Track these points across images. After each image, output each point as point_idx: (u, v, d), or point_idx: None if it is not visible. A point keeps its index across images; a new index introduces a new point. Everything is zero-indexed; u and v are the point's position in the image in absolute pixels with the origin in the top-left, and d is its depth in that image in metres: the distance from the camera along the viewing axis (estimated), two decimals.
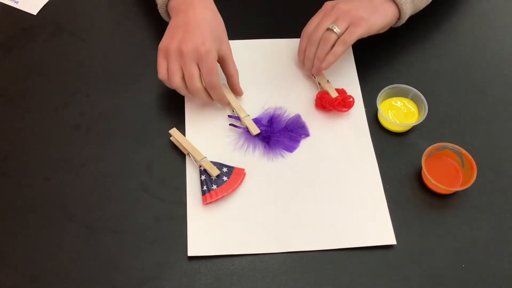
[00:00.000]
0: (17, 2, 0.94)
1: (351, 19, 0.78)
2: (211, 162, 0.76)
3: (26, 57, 0.88)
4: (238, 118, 0.81)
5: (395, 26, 0.86)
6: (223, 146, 0.80)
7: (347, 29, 0.79)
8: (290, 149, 0.80)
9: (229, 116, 0.82)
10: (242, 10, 0.94)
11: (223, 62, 0.80)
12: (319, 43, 0.80)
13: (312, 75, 0.85)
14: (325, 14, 0.80)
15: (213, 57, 0.75)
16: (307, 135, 0.81)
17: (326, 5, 0.82)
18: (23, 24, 0.92)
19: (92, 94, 0.85)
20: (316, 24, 0.81)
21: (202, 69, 0.75)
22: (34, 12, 0.93)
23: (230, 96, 0.82)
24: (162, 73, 0.77)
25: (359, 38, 0.79)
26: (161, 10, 0.83)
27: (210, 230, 0.73)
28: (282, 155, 0.79)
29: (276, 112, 0.83)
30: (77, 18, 0.94)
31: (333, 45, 0.79)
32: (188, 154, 0.78)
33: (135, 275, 0.70)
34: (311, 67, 0.83)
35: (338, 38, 0.79)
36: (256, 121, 0.81)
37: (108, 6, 0.95)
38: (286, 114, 0.83)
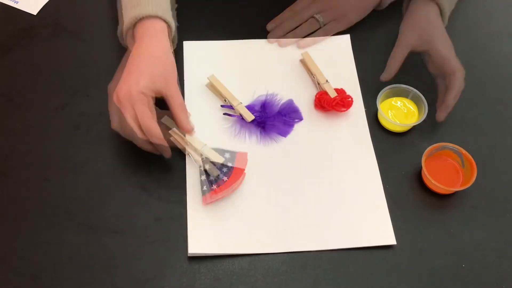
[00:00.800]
0: (17, 2, 0.94)
1: (335, 15, 0.89)
2: (213, 148, 0.76)
3: (26, 57, 0.88)
4: (231, 107, 0.82)
5: (378, 9, 0.92)
6: (224, 146, 0.79)
7: (330, 21, 0.89)
8: (284, 133, 0.81)
9: (222, 105, 0.83)
10: (241, 10, 0.94)
11: (167, 101, 0.74)
12: (300, 23, 0.89)
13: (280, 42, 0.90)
14: (315, 0, 0.90)
15: (144, 98, 0.69)
16: (300, 119, 0.83)
17: None
18: (23, 24, 0.92)
19: (92, 94, 0.85)
20: (305, 6, 0.90)
21: (136, 112, 0.69)
22: (34, 12, 0.93)
23: (222, 87, 0.82)
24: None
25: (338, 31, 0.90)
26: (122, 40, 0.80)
27: (210, 230, 0.72)
28: (276, 141, 0.80)
29: (267, 97, 0.84)
30: (77, 18, 0.94)
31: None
32: (188, 154, 0.78)
33: (135, 275, 0.70)
34: (280, 36, 0.89)
35: (320, 27, 0.89)
36: (249, 107, 0.82)
37: (108, 6, 0.95)
38: (278, 99, 0.84)
